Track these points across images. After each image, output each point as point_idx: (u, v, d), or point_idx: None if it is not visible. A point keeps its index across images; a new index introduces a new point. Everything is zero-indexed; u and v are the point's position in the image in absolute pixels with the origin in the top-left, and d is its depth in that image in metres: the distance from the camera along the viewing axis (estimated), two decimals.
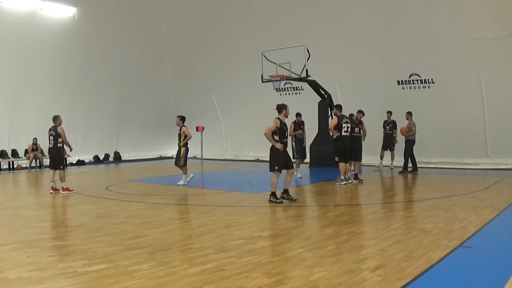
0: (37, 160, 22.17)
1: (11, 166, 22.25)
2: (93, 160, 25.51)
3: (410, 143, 16.83)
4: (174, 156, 15.27)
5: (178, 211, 10.07)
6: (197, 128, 25.53)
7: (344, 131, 13.81)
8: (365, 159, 19.81)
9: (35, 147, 22.06)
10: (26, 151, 22.32)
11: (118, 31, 24.71)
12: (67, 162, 23.90)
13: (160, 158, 27.95)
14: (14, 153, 22.61)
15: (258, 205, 10.62)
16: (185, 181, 14.60)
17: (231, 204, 11.13)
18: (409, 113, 16.99)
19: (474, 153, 18.37)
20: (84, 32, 23.56)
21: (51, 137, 13.32)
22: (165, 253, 6.43)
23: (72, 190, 13.26)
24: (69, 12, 23.41)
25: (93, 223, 8.74)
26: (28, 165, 22.05)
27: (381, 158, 18.59)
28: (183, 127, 14.57)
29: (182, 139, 14.53)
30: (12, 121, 22.27)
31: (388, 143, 18.19)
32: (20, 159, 22.63)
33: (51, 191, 13.30)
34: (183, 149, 14.52)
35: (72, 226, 8.51)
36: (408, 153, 16.90)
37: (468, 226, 7.80)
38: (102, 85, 25.04)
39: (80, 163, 24.33)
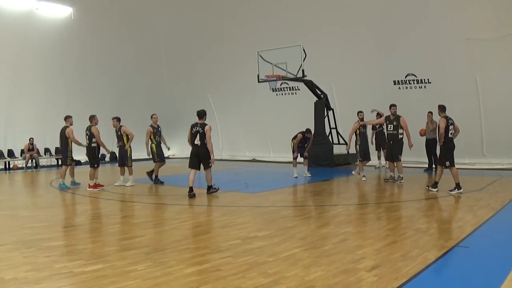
0: (33, 160, 22.12)
1: (7, 166, 22.21)
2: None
3: (435, 142, 16.85)
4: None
5: (175, 211, 10.05)
6: None
7: (451, 133, 12.42)
8: None
9: (31, 147, 22.02)
10: (22, 151, 22.27)
11: (114, 31, 24.72)
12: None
13: None
14: (10, 153, 22.57)
15: (254, 205, 10.62)
16: (132, 183, 14.66)
17: (227, 204, 11.12)
18: (432, 113, 16.97)
19: (470, 153, 18.39)
20: (80, 32, 23.57)
21: (87, 137, 13.83)
22: (162, 253, 6.42)
23: (98, 189, 13.50)
24: (65, 12, 23.42)
25: (90, 223, 8.73)
26: (24, 165, 22.00)
27: (378, 158, 18.58)
28: (123, 127, 14.65)
29: (125, 140, 14.59)
30: (8, 121, 22.24)
31: (380, 143, 18.07)
32: (16, 159, 22.58)
33: (89, 188, 13.57)
34: (129, 149, 14.69)
35: (69, 227, 8.50)
36: (435, 152, 16.98)
37: (464, 226, 7.82)
38: (98, 85, 25.03)
39: (77, 163, 24.10)
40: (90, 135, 13.79)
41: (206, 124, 11.99)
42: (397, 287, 4.94)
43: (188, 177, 11.87)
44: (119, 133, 14.62)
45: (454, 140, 12.09)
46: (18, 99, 22.33)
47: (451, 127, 12.00)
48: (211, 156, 12.01)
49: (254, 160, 24.48)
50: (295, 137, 15.63)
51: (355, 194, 12.44)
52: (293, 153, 15.83)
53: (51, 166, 23.45)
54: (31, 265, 5.91)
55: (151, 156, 15.01)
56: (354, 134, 15.27)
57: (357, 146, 15.29)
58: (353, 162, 20.42)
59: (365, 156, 15.35)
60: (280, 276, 5.35)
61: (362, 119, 15.28)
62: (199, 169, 12.09)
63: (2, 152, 22.30)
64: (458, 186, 11.75)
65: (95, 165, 13.81)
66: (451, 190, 11.75)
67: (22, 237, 7.56)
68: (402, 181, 13.76)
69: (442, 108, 12.26)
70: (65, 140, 14.01)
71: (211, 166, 12.21)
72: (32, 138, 22.05)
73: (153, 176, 15.10)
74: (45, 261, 6.09)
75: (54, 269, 5.72)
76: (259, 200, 11.37)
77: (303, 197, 12.60)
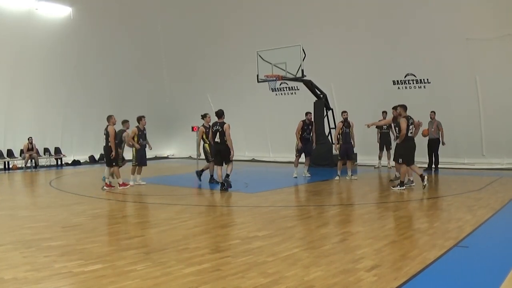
0: (33, 160, 22.09)
1: (6, 166, 22.17)
2: (88, 160, 25.42)
3: (438, 142, 16.96)
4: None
5: (174, 211, 10.05)
6: (192, 128, 25.49)
7: (410, 132, 13.00)
8: (361, 158, 19.87)
9: (30, 147, 21.98)
10: (22, 151, 22.23)
11: (114, 31, 24.68)
12: (62, 162, 23.90)
13: (156, 158, 27.88)
14: (10, 153, 22.54)
15: (253, 205, 10.62)
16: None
17: (227, 204, 11.14)
18: (434, 113, 17.05)
19: (470, 153, 18.39)
20: (79, 32, 23.53)
21: (104, 136, 13.89)
22: (161, 253, 6.42)
23: (128, 185, 13.86)
24: (64, 12, 23.38)
25: (89, 223, 8.72)
26: (23, 165, 21.97)
27: (379, 158, 18.57)
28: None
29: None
30: (7, 121, 22.20)
31: (385, 143, 18.11)
32: (16, 159, 22.56)
33: (105, 187, 13.74)
34: None
35: (68, 226, 8.49)
36: (437, 152, 17.17)
37: (464, 226, 7.82)
38: (97, 85, 24.99)
39: (76, 163, 24.26)
40: (107, 135, 13.82)
41: (225, 123, 12.89)
42: (396, 287, 4.95)
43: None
44: (144, 132, 14.79)
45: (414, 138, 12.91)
46: (17, 99, 22.28)
47: (411, 126, 12.61)
48: (231, 152, 12.82)
49: (253, 160, 24.47)
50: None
51: (355, 194, 12.44)
52: (296, 150, 15.83)
53: (50, 166, 23.44)
54: (31, 265, 5.91)
55: (203, 156, 15.07)
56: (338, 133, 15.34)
57: (338, 146, 15.27)
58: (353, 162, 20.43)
59: (342, 156, 15.34)
60: (279, 276, 5.35)
61: (346, 119, 15.25)
62: (223, 164, 13.05)
63: (2, 152, 22.27)
64: (401, 184, 12.57)
65: (114, 164, 13.92)
66: (394, 186, 12.72)
67: (21, 237, 7.57)
68: (412, 185, 13.21)
69: (405, 108, 12.79)
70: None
71: (231, 160, 13.07)
72: (31, 138, 22.01)
73: (201, 174, 15.14)
74: (45, 261, 6.10)
75: (53, 269, 5.73)
76: (259, 200, 11.37)
77: (302, 197, 12.59)
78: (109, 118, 14.04)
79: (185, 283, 5.16)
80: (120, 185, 13.81)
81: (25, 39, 21.86)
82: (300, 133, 15.80)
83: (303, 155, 16.14)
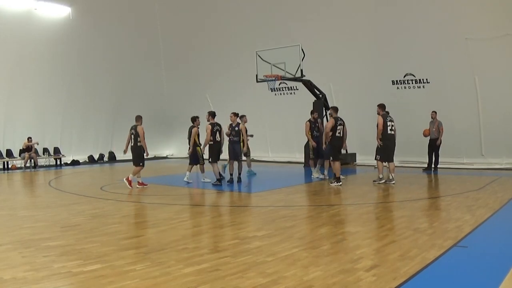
0: (32, 160, 22.08)
1: (5, 166, 22.16)
2: (87, 160, 25.44)
3: (439, 142, 17.01)
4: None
5: (173, 211, 10.05)
6: None
7: (338, 133, 13.74)
8: (361, 158, 19.87)
9: (30, 146, 21.94)
10: (21, 151, 22.19)
11: (113, 31, 24.71)
12: (61, 162, 23.90)
13: (155, 158, 27.88)
14: (9, 153, 22.51)
15: (253, 205, 10.62)
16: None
17: (226, 204, 11.13)
18: (435, 112, 17.06)
19: (469, 153, 18.39)
20: (79, 31, 23.55)
21: (132, 136, 13.97)
22: (160, 253, 6.42)
23: (133, 188, 13.80)
24: (64, 11, 23.40)
25: (88, 223, 8.72)
26: (23, 165, 21.95)
27: None
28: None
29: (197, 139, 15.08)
30: (6, 121, 22.20)
31: None
32: (15, 159, 22.54)
33: (137, 186, 13.92)
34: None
35: (67, 226, 8.49)
36: (438, 152, 17.24)
37: (463, 225, 7.82)
38: (97, 85, 25.03)
39: (75, 163, 24.26)
40: (136, 134, 13.84)
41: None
42: (395, 287, 4.95)
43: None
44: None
45: (343, 139, 14.01)
46: (16, 99, 22.29)
47: (339, 127, 13.56)
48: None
49: (252, 160, 24.41)
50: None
51: (354, 194, 12.43)
52: (312, 151, 15.84)
53: (49, 166, 23.43)
54: (30, 265, 5.91)
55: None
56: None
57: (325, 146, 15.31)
58: (352, 161, 20.45)
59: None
60: (278, 276, 5.35)
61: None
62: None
63: (1, 152, 22.26)
64: (338, 180, 13.47)
65: (140, 164, 14.00)
66: (331, 182, 13.56)
67: (20, 237, 7.56)
68: (383, 182, 13.73)
69: (335, 109, 13.88)
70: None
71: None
72: (31, 138, 22.00)
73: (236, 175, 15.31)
74: (44, 261, 6.09)
75: (52, 269, 5.72)
76: (258, 200, 11.38)
77: (302, 197, 12.58)
78: (139, 118, 14.15)
79: (184, 283, 5.16)
80: (128, 182, 13.81)
81: (24, 39, 21.87)
82: (310, 133, 15.75)
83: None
